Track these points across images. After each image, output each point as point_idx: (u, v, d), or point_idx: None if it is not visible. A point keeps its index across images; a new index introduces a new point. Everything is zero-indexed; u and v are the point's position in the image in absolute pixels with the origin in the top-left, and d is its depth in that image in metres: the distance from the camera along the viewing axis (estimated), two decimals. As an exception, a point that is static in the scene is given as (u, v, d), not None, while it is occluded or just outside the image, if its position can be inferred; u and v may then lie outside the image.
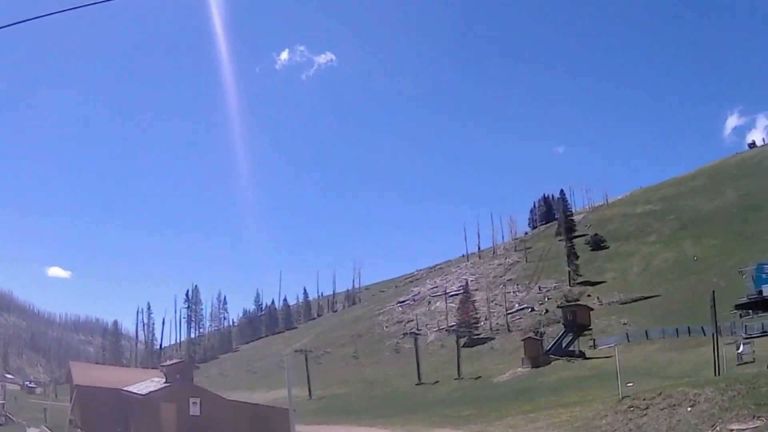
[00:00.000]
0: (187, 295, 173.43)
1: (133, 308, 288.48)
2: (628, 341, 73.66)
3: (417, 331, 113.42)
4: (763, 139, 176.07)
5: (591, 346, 76.49)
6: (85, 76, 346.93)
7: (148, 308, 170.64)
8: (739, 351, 46.57)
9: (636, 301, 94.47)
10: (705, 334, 56.99)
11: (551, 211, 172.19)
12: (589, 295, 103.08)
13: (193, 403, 39.91)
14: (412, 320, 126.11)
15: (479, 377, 75.53)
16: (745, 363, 43.12)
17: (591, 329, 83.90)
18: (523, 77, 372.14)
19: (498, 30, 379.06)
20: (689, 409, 23.47)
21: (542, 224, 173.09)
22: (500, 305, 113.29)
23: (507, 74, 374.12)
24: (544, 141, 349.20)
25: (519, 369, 73.83)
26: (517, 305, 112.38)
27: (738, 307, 35.83)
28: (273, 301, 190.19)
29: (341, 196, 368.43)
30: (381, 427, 44.93)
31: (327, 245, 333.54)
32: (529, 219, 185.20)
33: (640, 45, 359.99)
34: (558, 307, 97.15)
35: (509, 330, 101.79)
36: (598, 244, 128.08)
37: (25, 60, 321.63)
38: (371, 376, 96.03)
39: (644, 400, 25.92)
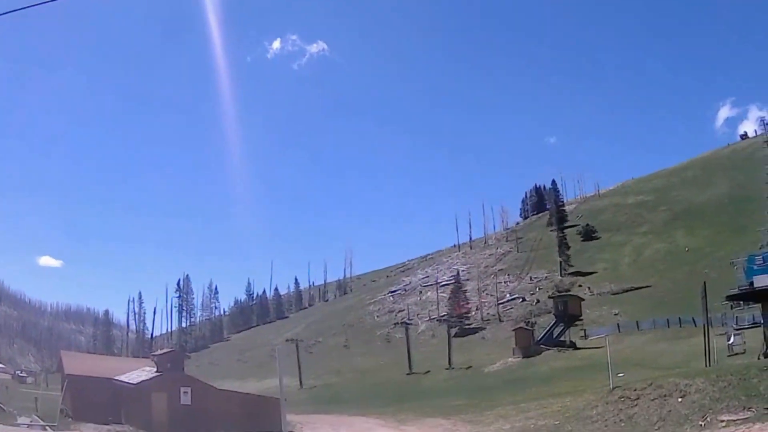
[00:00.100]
0: (178, 284, 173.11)
1: (125, 298, 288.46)
2: (619, 332, 73.92)
3: (408, 321, 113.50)
4: (755, 131, 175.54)
5: (582, 337, 76.70)
6: (74, 64, 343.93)
7: (140, 298, 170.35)
8: (730, 342, 46.79)
9: (627, 291, 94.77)
10: (696, 325, 57.21)
11: (543, 202, 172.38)
12: (580, 286, 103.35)
13: (184, 392, 39.84)
14: (404, 310, 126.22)
15: (470, 367, 75.61)
16: (736, 354, 43.34)
17: (582, 319, 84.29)
18: (515, 67, 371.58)
19: (490, 21, 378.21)
20: (680, 399, 23.55)
21: (534, 214, 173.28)
22: (491, 295, 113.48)
23: (499, 65, 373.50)
24: (535, 131, 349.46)
25: (510, 359, 73.94)
26: (508, 295, 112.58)
27: (729, 298, 35.80)
28: (264, 291, 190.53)
29: (333, 186, 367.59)
30: (372, 417, 44.99)
31: (318, 235, 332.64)
32: (520, 209, 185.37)
33: (632, 35, 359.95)
34: (549, 297, 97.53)
35: (500, 320, 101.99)
36: (589, 234, 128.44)
37: (11, 46, 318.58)
38: (362, 365, 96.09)
39: (635, 390, 26.02)
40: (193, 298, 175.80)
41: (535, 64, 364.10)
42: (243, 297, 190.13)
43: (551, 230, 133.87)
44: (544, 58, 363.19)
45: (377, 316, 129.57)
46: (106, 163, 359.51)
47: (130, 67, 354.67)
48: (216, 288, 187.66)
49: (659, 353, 57.51)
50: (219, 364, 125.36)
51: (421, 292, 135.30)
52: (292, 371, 79.91)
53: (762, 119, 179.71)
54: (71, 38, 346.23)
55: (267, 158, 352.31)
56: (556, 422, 28.12)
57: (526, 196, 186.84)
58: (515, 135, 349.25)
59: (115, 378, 42.14)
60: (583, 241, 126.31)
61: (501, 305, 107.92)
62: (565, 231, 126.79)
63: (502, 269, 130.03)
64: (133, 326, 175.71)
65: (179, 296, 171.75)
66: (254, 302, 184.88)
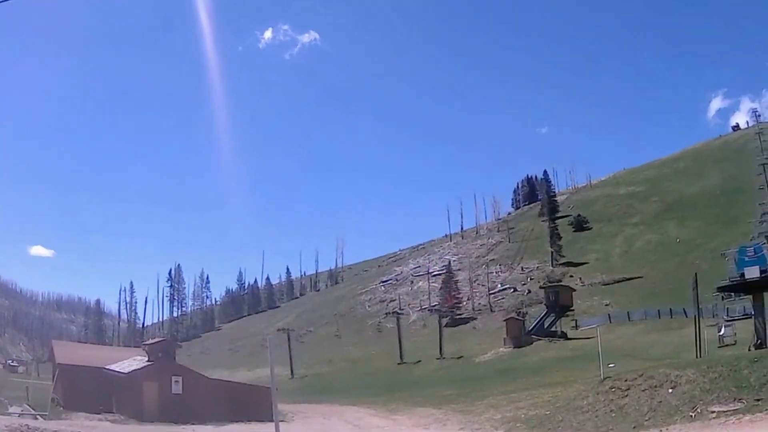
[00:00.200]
0: (169, 274, 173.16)
1: (116, 287, 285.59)
2: (610, 322, 74.22)
3: (399, 311, 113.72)
4: (747, 122, 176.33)
5: (573, 327, 76.99)
6: (65, 54, 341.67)
7: (131, 287, 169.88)
8: (721, 333, 47.04)
9: (618, 282, 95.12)
10: (687, 316, 57.45)
11: (534, 192, 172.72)
12: (571, 276, 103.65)
13: (176, 381, 39.77)
14: (395, 300, 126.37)
15: (461, 357, 75.75)
16: (727, 345, 43.53)
17: (573, 310, 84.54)
18: (507, 59, 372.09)
19: (481, 12, 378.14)
20: (670, 390, 23.60)
21: (525, 205, 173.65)
22: (483, 285, 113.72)
23: (491, 56, 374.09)
24: (527, 122, 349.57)
25: (501, 349, 74.12)
26: (499, 285, 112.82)
27: (720, 289, 35.89)
28: (256, 280, 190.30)
29: (324, 175, 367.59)
30: (363, 406, 45.06)
31: (310, 224, 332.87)
32: (512, 199, 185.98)
33: (624, 26, 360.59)
34: (540, 287, 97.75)
35: (492, 310, 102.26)
36: (581, 225, 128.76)
37: (1, 37, 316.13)
38: (354, 355, 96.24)
39: (626, 381, 26.05)
40: (185, 288, 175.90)
41: (527, 55, 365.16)
42: (234, 286, 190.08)
43: (543, 221, 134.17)
44: (536, 49, 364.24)
45: (368, 306, 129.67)
46: (97, 153, 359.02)
47: (121, 57, 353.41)
48: (207, 277, 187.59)
49: (650, 344, 57.79)
50: (210, 354, 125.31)
51: (412, 281, 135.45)
52: (283, 361, 79.90)
53: (754, 111, 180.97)
54: (61, 28, 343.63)
55: (258, 148, 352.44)
56: (547, 412, 28.17)
57: (517, 187, 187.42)
58: (507, 125, 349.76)
59: (107, 367, 42.04)
60: (574, 231, 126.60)
61: (492, 295, 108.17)
62: (557, 221, 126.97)
63: (493, 259, 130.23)
64: (124, 316, 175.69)
65: (171, 286, 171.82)
66: (245, 292, 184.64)
